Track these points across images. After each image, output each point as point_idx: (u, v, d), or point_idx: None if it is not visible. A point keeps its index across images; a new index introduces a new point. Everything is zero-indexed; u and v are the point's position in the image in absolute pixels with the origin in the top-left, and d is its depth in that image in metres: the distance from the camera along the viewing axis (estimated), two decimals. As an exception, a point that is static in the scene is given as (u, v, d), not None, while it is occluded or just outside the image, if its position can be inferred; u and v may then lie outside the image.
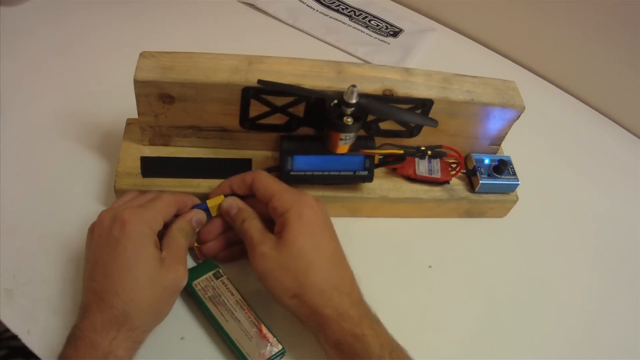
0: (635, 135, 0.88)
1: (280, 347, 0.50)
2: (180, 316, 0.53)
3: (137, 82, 0.54)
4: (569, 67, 0.90)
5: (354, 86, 0.52)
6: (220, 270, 0.54)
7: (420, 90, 0.59)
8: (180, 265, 0.50)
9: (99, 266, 0.48)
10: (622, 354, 0.61)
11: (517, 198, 0.68)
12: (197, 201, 0.55)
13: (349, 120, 0.53)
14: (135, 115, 0.58)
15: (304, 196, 0.52)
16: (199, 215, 0.54)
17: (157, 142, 0.61)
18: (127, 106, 0.58)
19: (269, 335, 0.51)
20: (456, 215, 0.69)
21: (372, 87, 0.57)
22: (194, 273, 0.53)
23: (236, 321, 0.51)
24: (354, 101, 0.52)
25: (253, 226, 0.52)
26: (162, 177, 0.59)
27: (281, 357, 0.51)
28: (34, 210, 0.59)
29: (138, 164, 0.59)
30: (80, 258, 0.53)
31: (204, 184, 0.59)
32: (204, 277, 0.53)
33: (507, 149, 0.70)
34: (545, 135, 0.82)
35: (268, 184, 0.53)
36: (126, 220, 0.48)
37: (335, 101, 0.54)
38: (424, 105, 0.59)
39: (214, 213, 0.55)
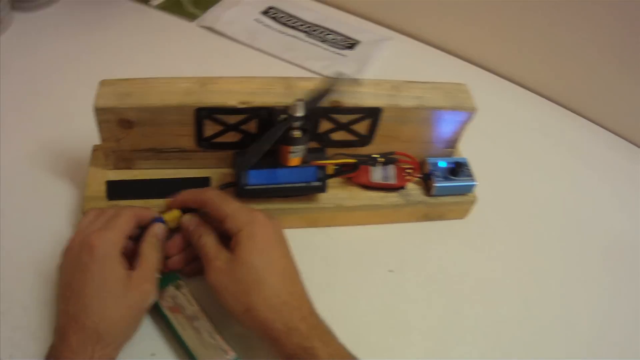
0: (596, 123, 0.92)
1: (233, 354, 0.54)
2: (150, 333, 0.57)
3: (97, 110, 0.59)
4: (527, 64, 0.94)
5: (299, 100, 0.57)
6: (180, 282, 0.59)
7: (368, 99, 0.63)
8: (148, 284, 0.54)
9: (71, 290, 0.52)
10: (585, 355, 0.64)
11: (475, 198, 0.71)
12: (155, 214, 0.59)
13: (297, 134, 0.58)
14: (100, 142, 0.63)
15: (255, 215, 0.56)
16: (162, 228, 0.58)
17: (121, 165, 0.66)
18: (93, 133, 0.62)
19: (223, 343, 0.55)
20: (415, 220, 0.72)
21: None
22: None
23: (193, 330, 0.55)
24: (300, 115, 0.57)
25: (209, 242, 0.56)
26: (126, 199, 0.63)
27: None
28: (9, 238, 0.63)
29: (104, 187, 0.64)
30: (54, 282, 0.58)
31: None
32: (165, 288, 0.58)
33: (466, 151, 0.73)
34: (504, 134, 0.86)
35: (219, 205, 0.56)
36: (93, 246, 0.52)
37: (284, 116, 0.58)
38: (373, 113, 0.64)
39: (171, 225, 0.59)
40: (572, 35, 0.86)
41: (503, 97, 0.93)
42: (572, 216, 0.77)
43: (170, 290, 0.58)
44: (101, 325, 0.50)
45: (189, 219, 0.59)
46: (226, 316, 0.54)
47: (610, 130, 0.91)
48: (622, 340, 0.65)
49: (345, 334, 0.54)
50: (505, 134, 0.85)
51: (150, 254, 0.55)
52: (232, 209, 0.56)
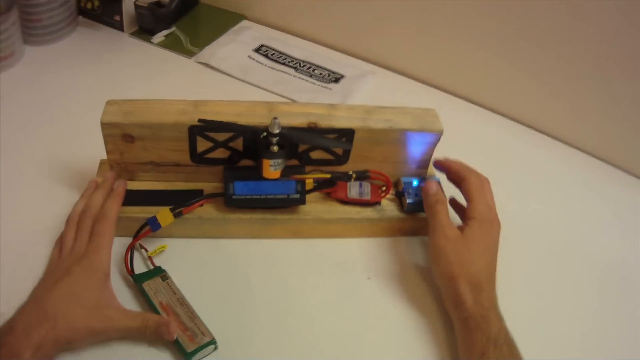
0: (560, 141, 1.01)
1: (211, 337, 0.63)
2: None
3: (103, 124, 0.69)
4: (498, 92, 1.04)
5: (275, 118, 0.66)
6: (166, 274, 0.68)
7: (342, 122, 0.73)
8: (113, 314, 0.62)
9: (44, 282, 0.62)
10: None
11: (447, 216, 0.79)
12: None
13: (275, 148, 0.68)
14: (106, 156, 0.73)
15: (491, 214, 0.71)
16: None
17: (124, 177, 0.75)
18: (99, 150, 0.72)
19: (202, 326, 0.63)
20: (391, 234, 0.80)
21: (299, 121, 0.71)
22: (145, 276, 0.67)
23: (175, 315, 0.64)
24: (276, 131, 0.67)
25: (444, 211, 0.71)
26: (127, 205, 0.72)
27: (213, 346, 0.63)
28: (21, 245, 0.71)
29: (109, 196, 0.73)
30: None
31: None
32: (153, 279, 0.67)
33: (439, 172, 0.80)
34: (474, 154, 0.89)
35: (470, 190, 0.72)
36: (86, 260, 0.64)
37: (265, 133, 0.68)
38: (346, 134, 0.73)
39: (163, 224, 0.69)
40: (534, 61, 0.96)
41: (476, 122, 1.02)
42: (545, 233, 0.84)
43: (157, 281, 0.67)
44: (60, 320, 0.57)
45: (433, 184, 0.74)
46: (204, 304, 0.64)
47: (577, 148, 1.00)
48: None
49: (325, 334, 0.65)
50: (474, 154, 0.89)
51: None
52: (479, 199, 0.71)
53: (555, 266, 0.80)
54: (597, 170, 0.97)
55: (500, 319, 0.64)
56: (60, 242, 0.68)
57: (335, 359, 0.66)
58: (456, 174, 0.75)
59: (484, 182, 0.73)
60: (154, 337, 0.61)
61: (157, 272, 0.69)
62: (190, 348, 0.61)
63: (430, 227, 0.72)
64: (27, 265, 0.67)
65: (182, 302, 0.66)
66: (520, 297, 0.73)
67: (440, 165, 0.78)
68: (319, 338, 0.67)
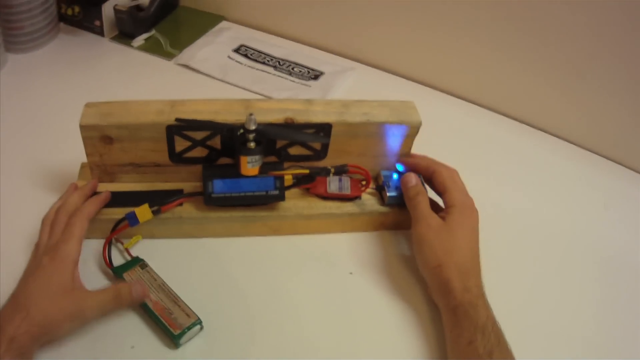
0: (539, 129, 1.03)
1: (196, 317, 0.65)
2: (130, 326, 0.66)
3: (82, 127, 0.70)
4: (478, 84, 1.06)
5: (251, 114, 0.67)
6: (145, 262, 0.70)
7: (319, 116, 0.74)
8: (84, 302, 0.63)
9: (22, 279, 0.64)
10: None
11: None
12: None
13: (252, 145, 0.69)
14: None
15: (469, 200, 0.73)
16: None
17: (105, 179, 0.76)
18: (80, 154, 0.73)
19: (187, 308, 0.65)
20: (373, 229, 0.81)
21: (275, 117, 0.72)
22: (124, 267, 0.69)
23: (158, 300, 0.66)
24: (253, 127, 0.68)
25: (425, 201, 0.73)
26: (108, 207, 0.73)
27: (199, 326, 0.64)
28: (5, 246, 0.72)
29: (90, 199, 0.74)
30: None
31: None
32: (133, 269, 0.69)
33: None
34: (459, 147, 0.94)
35: (445, 179, 0.73)
36: (55, 255, 0.64)
37: (241, 130, 0.69)
38: (324, 128, 0.74)
39: (141, 220, 0.70)
40: (514, 52, 0.99)
41: (457, 114, 1.05)
42: (529, 223, 0.85)
43: (138, 270, 0.69)
44: (32, 308, 0.59)
45: (412, 177, 0.75)
46: (185, 286, 0.66)
47: (560, 138, 1.02)
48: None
49: (311, 330, 0.68)
50: (455, 146, 0.93)
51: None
52: (454, 187, 0.73)
53: (540, 257, 0.82)
54: (583, 160, 0.99)
55: (488, 307, 0.65)
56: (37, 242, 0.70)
57: (323, 353, 0.67)
58: (425, 169, 0.76)
59: (453, 172, 0.75)
60: (129, 302, 0.64)
61: (136, 262, 0.70)
62: (177, 330, 0.63)
63: (413, 218, 0.73)
64: (4, 268, 0.68)
65: (164, 287, 0.67)
66: (506, 287, 0.72)
67: (407, 163, 0.79)
68: (305, 334, 0.68)
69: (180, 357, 0.64)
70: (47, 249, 0.65)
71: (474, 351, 0.61)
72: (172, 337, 0.63)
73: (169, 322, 0.63)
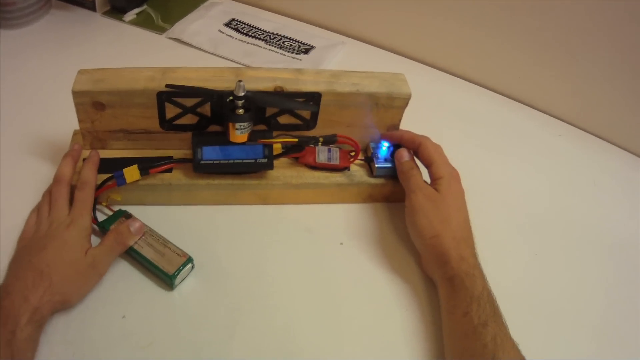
0: (526, 104, 1.08)
1: (187, 256, 0.69)
2: (121, 297, 0.69)
3: (74, 93, 0.73)
4: (468, 59, 1.10)
5: (240, 81, 0.71)
6: (128, 212, 0.75)
7: (308, 85, 0.77)
8: (97, 263, 0.68)
9: (38, 247, 0.67)
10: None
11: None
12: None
13: (240, 111, 0.72)
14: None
15: (454, 171, 0.76)
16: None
17: (96, 146, 0.79)
18: (73, 122, 0.77)
19: (177, 249, 0.70)
20: (362, 200, 0.84)
21: (265, 85, 0.76)
22: (109, 221, 0.73)
23: (149, 246, 0.70)
24: (241, 94, 0.71)
25: (418, 174, 0.76)
26: (100, 173, 0.76)
27: (191, 264, 0.69)
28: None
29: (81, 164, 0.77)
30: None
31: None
32: (117, 221, 0.73)
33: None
34: (446, 121, 0.99)
35: (432, 152, 0.76)
36: (70, 227, 0.69)
37: (230, 97, 0.73)
38: (313, 98, 0.77)
39: (128, 180, 0.74)
40: (503, 26, 1.02)
41: (446, 88, 1.09)
42: (520, 198, 0.89)
43: (122, 221, 0.73)
44: (55, 277, 0.63)
45: (406, 151, 0.79)
46: (171, 229, 0.72)
47: (542, 111, 1.07)
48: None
49: (300, 300, 0.71)
50: (445, 121, 0.99)
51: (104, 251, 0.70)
52: (441, 160, 0.76)
53: (526, 229, 0.85)
54: (576, 139, 1.04)
55: (483, 277, 0.67)
56: (37, 210, 0.74)
57: (312, 323, 0.70)
58: (411, 142, 0.80)
59: (438, 146, 0.79)
60: (130, 238, 0.70)
61: (120, 214, 0.74)
62: (171, 270, 0.67)
63: (407, 189, 0.76)
64: (2, 235, 0.72)
65: (152, 232, 0.72)
66: (494, 258, 0.73)
67: (390, 138, 0.82)
68: (293, 305, 0.71)
69: (177, 297, 0.69)
70: (63, 222, 0.69)
71: (469, 322, 0.63)
72: (166, 277, 0.68)
73: (163, 264, 0.68)
